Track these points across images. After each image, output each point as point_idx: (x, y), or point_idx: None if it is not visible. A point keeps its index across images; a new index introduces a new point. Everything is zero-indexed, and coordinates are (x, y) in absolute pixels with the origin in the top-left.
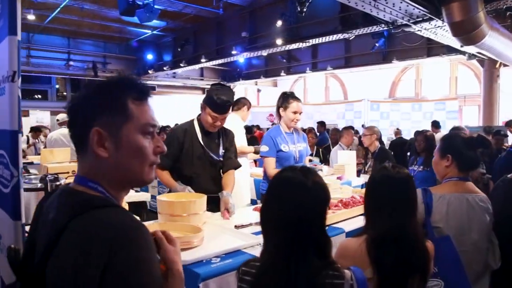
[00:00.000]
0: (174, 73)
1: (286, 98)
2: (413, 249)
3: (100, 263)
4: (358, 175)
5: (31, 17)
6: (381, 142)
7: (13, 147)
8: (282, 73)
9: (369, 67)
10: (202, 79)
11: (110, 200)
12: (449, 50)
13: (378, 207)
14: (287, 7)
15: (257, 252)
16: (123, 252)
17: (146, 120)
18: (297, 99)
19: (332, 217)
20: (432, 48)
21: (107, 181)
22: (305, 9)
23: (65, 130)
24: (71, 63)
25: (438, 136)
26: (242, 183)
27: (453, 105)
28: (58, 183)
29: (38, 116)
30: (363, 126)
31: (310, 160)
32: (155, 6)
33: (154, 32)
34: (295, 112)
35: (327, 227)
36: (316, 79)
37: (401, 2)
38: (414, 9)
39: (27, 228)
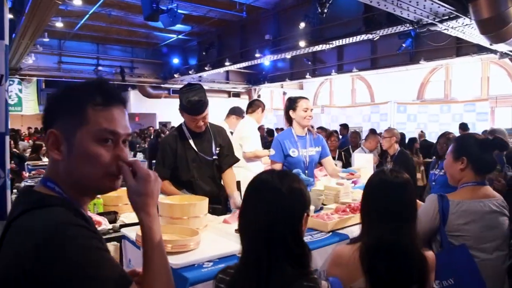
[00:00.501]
0: (200, 76)
1: (293, 100)
2: (409, 258)
3: (29, 261)
4: None
5: (59, 24)
6: (405, 145)
7: (0, 149)
8: (308, 76)
9: (396, 68)
10: (227, 83)
11: (63, 200)
12: (480, 49)
13: (374, 213)
14: (310, 9)
15: None
16: (54, 252)
17: (105, 126)
18: (304, 98)
19: (337, 222)
20: (461, 48)
21: (64, 183)
22: (325, 10)
23: None
24: (100, 68)
25: None
26: None
27: (484, 107)
28: None
29: None
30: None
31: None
32: (178, 11)
33: (180, 36)
34: (305, 110)
35: (330, 233)
36: (343, 82)
37: (425, 1)
38: (439, 7)
39: None
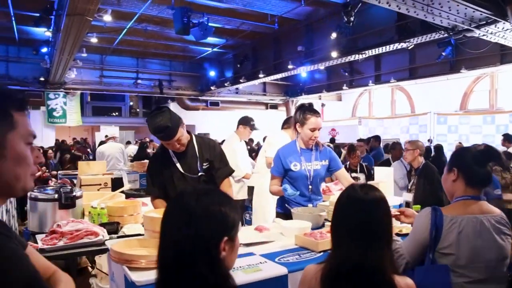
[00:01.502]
0: (237, 88)
1: (303, 112)
2: (375, 285)
3: None
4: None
5: (94, 40)
6: (433, 157)
7: None
8: (345, 87)
9: (436, 78)
10: (265, 95)
11: None
12: None
13: (341, 232)
14: (342, 19)
15: None
16: None
17: (29, 130)
18: (315, 113)
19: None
20: (506, 55)
21: None
22: (352, 19)
23: (113, 144)
24: (139, 81)
25: (510, 151)
26: (271, 199)
27: None
28: (72, 194)
29: (108, 131)
30: (429, 140)
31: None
32: (210, 24)
33: (215, 49)
34: (313, 130)
35: (321, 252)
36: (382, 92)
37: (457, 5)
38: (474, 11)
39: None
